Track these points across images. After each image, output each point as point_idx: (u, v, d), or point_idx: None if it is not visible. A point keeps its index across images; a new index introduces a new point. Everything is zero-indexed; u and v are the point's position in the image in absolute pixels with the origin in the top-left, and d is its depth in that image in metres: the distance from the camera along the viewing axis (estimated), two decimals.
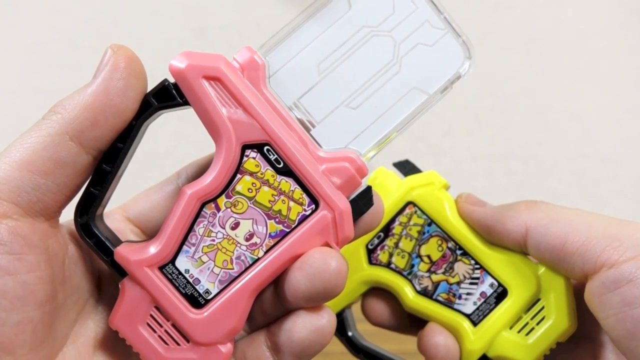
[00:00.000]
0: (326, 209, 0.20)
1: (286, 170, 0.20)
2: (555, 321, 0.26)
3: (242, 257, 0.20)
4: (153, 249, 0.20)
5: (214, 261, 0.20)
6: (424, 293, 0.28)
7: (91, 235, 0.21)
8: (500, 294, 0.27)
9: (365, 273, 0.28)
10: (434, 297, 0.28)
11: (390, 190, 0.28)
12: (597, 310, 0.23)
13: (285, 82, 0.21)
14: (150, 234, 0.23)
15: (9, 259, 0.18)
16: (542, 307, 0.27)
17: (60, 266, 0.20)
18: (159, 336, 0.20)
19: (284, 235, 0.20)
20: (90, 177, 0.20)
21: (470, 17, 0.56)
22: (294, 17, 0.21)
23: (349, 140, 0.21)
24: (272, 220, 0.20)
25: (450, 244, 0.28)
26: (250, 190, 0.20)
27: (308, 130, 0.21)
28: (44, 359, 0.19)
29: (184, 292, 0.20)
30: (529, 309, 0.27)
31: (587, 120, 0.58)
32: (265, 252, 0.20)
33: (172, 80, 0.20)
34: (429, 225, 0.28)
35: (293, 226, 0.20)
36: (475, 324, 0.27)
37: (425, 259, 0.28)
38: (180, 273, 0.20)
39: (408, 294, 0.28)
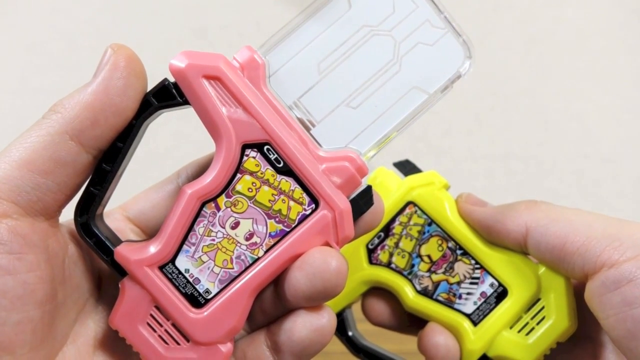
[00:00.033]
0: (326, 209, 0.20)
1: (286, 170, 0.20)
2: (555, 321, 0.26)
3: (242, 257, 0.20)
4: (153, 248, 0.20)
5: (214, 261, 0.20)
6: (424, 293, 0.28)
7: (91, 234, 0.20)
8: (501, 293, 0.27)
9: (366, 273, 0.28)
10: (434, 296, 0.28)
11: (390, 190, 0.28)
12: (597, 310, 0.23)
13: (285, 81, 0.21)
14: (150, 233, 0.23)
15: (9, 259, 0.18)
16: (542, 307, 0.27)
17: (60, 266, 0.20)
18: (159, 336, 0.20)
19: (284, 234, 0.20)
20: (90, 177, 0.20)
21: (470, 17, 0.56)
22: (294, 17, 0.21)
23: (349, 139, 0.21)
24: (272, 220, 0.20)
25: (451, 244, 0.28)
26: (250, 190, 0.20)
27: (308, 129, 0.21)
28: (44, 358, 0.19)
29: (184, 291, 0.20)
30: (529, 309, 0.27)
31: (587, 120, 0.58)
32: (265, 252, 0.20)
33: (172, 79, 0.20)
34: (429, 225, 0.28)
35: (293, 226, 0.20)
36: (475, 323, 0.27)
37: (426, 259, 0.28)
38: (180, 272, 0.20)
39: (408, 293, 0.28)
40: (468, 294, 0.27)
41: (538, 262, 0.27)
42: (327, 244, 0.20)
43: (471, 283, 0.27)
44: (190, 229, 0.20)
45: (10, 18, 0.55)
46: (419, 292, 0.28)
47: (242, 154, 0.20)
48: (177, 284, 0.20)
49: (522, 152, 0.58)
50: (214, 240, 0.20)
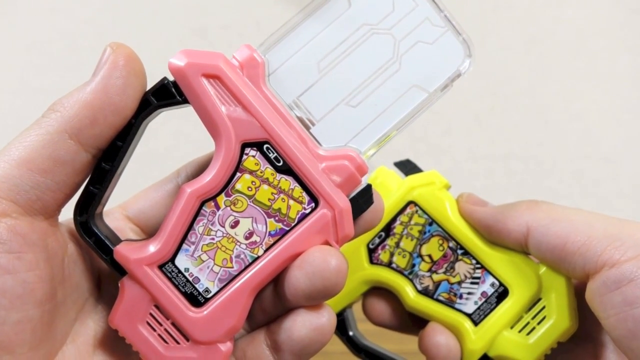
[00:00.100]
0: (326, 208, 0.20)
1: (286, 169, 0.20)
2: (556, 321, 0.26)
3: (242, 256, 0.20)
4: (152, 247, 0.20)
5: (214, 260, 0.20)
6: (425, 293, 0.28)
7: (90, 233, 0.20)
8: (501, 293, 0.27)
9: (366, 272, 0.28)
10: (435, 296, 0.28)
11: (391, 190, 0.28)
12: (598, 309, 0.23)
13: (284, 80, 0.21)
14: (149, 232, 0.23)
15: (8, 258, 0.18)
16: (543, 307, 0.27)
17: (59, 265, 0.20)
18: (159, 335, 0.20)
19: (283, 233, 0.20)
20: (90, 176, 0.20)
21: (470, 17, 0.56)
22: (293, 15, 0.21)
23: (348, 138, 0.21)
24: (272, 219, 0.20)
25: (451, 244, 0.28)
26: (249, 189, 0.20)
27: (308, 128, 0.21)
28: (44, 357, 0.19)
29: (183, 290, 0.20)
30: (530, 309, 0.27)
31: (587, 120, 0.58)
32: (265, 251, 0.20)
33: (171, 78, 0.20)
34: (430, 224, 0.28)
35: (293, 224, 0.20)
36: (476, 323, 0.27)
37: (427, 259, 0.28)
38: (179, 272, 0.20)
39: (409, 293, 0.28)
40: (469, 293, 0.27)
41: (539, 261, 0.27)
42: (327, 243, 0.20)
43: (472, 283, 0.27)
44: (190, 228, 0.20)
45: (10, 18, 0.55)
46: (419, 291, 0.28)
47: (242, 153, 0.20)
48: (176, 283, 0.20)
49: (522, 152, 0.58)
50: (213, 239, 0.20)
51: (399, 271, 0.28)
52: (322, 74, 0.21)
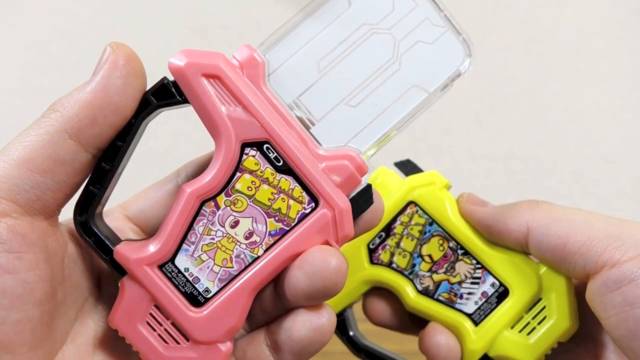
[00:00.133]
0: (326, 207, 0.20)
1: (286, 169, 0.20)
2: (556, 321, 0.26)
3: (242, 256, 0.20)
4: (152, 247, 0.20)
5: (214, 260, 0.20)
6: (425, 293, 0.28)
7: (90, 233, 0.20)
8: (502, 293, 0.27)
9: (367, 272, 0.28)
10: (435, 296, 0.28)
11: (391, 190, 0.28)
12: (599, 309, 0.23)
13: (284, 80, 0.21)
14: (149, 232, 0.23)
15: (8, 258, 0.18)
16: (544, 307, 0.27)
17: (59, 265, 0.20)
18: (159, 335, 0.20)
19: (283, 233, 0.20)
20: (90, 176, 0.20)
21: (470, 17, 0.56)
22: (293, 15, 0.21)
23: (348, 138, 0.21)
24: (272, 219, 0.20)
25: (452, 244, 0.28)
26: (249, 189, 0.20)
27: (308, 128, 0.21)
28: (44, 357, 0.19)
29: (183, 290, 0.20)
30: (530, 309, 0.27)
31: (587, 120, 0.58)
32: (265, 251, 0.20)
33: (171, 78, 0.20)
34: (430, 224, 0.28)
35: (293, 224, 0.20)
36: (476, 323, 0.27)
37: (427, 259, 0.28)
38: (179, 271, 0.20)
39: (409, 293, 0.28)
40: (469, 293, 0.27)
41: (539, 261, 0.27)
42: (327, 243, 0.20)
43: (472, 283, 0.27)
44: (190, 227, 0.20)
45: (10, 18, 0.55)
46: (420, 292, 0.28)
47: (242, 153, 0.20)
48: (176, 283, 0.20)
49: (522, 152, 0.58)
50: (213, 239, 0.20)
51: (400, 271, 0.28)
52: (322, 74, 0.21)
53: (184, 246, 0.20)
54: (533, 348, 0.26)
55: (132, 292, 0.20)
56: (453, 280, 0.28)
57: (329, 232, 0.20)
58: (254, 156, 0.20)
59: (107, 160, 0.20)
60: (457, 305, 0.27)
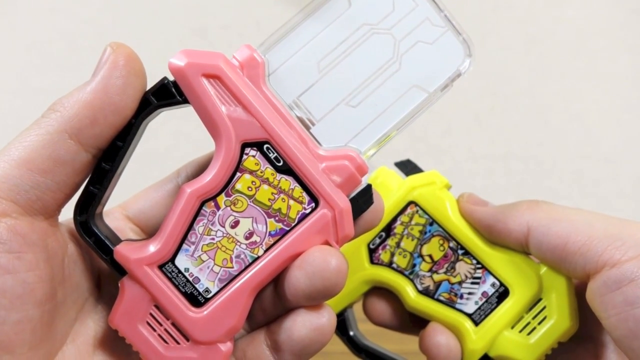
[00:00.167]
0: (326, 208, 0.20)
1: (286, 169, 0.20)
2: (556, 321, 0.26)
3: (242, 256, 0.20)
4: (153, 247, 0.20)
5: (214, 260, 0.20)
6: (426, 293, 0.28)
7: (90, 233, 0.20)
8: (502, 293, 0.27)
9: (367, 272, 0.28)
10: (435, 296, 0.28)
11: (391, 190, 0.28)
12: (599, 309, 0.23)
13: (284, 80, 0.21)
14: (150, 232, 0.23)
15: (8, 258, 0.18)
16: (544, 307, 0.27)
17: (59, 265, 0.20)
18: (159, 335, 0.20)
19: (283, 233, 0.20)
20: (90, 176, 0.20)
21: (470, 17, 0.56)
22: (293, 15, 0.21)
23: (348, 138, 0.21)
24: (272, 219, 0.20)
25: (452, 244, 0.28)
26: (249, 189, 0.20)
27: (308, 128, 0.21)
28: (44, 357, 0.19)
29: (183, 290, 0.20)
30: (530, 309, 0.27)
31: (587, 120, 0.58)
32: (265, 251, 0.20)
33: (171, 78, 0.20)
34: (431, 224, 0.28)
35: (293, 225, 0.20)
36: (476, 323, 0.27)
37: (427, 259, 0.28)
38: (179, 272, 0.20)
39: (410, 293, 0.28)
40: (469, 293, 0.27)
41: (539, 261, 0.27)
42: (327, 243, 0.20)
43: (472, 283, 0.27)
44: (190, 228, 0.20)
45: (10, 18, 0.55)
46: (420, 292, 0.28)
47: (242, 153, 0.20)
48: (176, 283, 0.20)
49: (522, 152, 0.58)
50: (213, 239, 0.20)
51: (400, 271, 0.28)
52: (322, 74, 0.21)
53: (184, 246, 0.20)
54: (533, 348, 0.26)
55: (132, 292, 0.20)
56: (453, 280, 0.28)
57: (329, 232, 0.20)
58: (254, 156, 0.20)
59: (107, 160, 0.20)
60: (457, 305, 0.27)
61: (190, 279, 0.20)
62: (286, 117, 0.21)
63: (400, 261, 0.28)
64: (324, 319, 0.20)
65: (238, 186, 0.20)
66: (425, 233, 0.28)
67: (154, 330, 0.20)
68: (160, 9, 0.55)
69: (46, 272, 0.19)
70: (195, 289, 0.20)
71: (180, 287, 0.20)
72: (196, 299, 0.20)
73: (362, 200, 0.21)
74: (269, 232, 0.20)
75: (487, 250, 0.27)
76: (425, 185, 0.28)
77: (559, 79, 0.57)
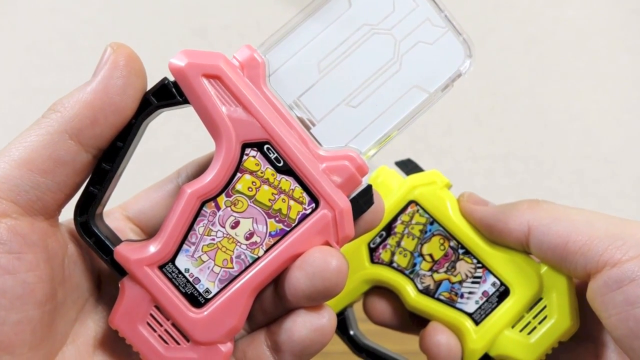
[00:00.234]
0: (326, 208, 0.20)
1: (286, 169, 0.20)
2: (557, 320, 0.26)
3: (242, 256, 0.20)
4: (153, 248, 0.20)
5: (214, 260, 0.20)
6: (426, 292, 0.28)
7: (91, 234, 0.20)
8: (503, 293, 0.27)
9: (367, 272, 0.28)
10: (435, 296, 0.28)
11: (392, 189, 0.28)
12: (600, 309, 0.23)
13: (285, 80, 0.21)
14: (150, 232, 0.23)
15: (8, 258, 0.18)
16: (544, 306, 0.27)
17: (59, 265, 0.20)
18: (159, 335, 0.20)
19: (284, 234, 0.20)
20: (90, 176, 0.20)
21: (470, 17, 0.56)
22: (294, 15, 0.21)
23: (349, 138, 0.21)
24: (272, 219, 0.20)
25: (453, 243, 0.28)
26: (250, 189, 0.20)
27: (308, 128, 0.21)
28: (44, 358, 0.19)
29: (183, 291, 0.20)
30: (531, 308, 0.27)
31: (587, 120, 0.58)
32: (266, 251, 0.20)
33: (172, 78, 0.20)
34: (431, 224, 0.28)
35: (293, 225, 0.20)
36: (477, 322, 0.27)
37: (428, 258, 0.28)
38: (180, 272, 0.20)
39: (410, 292, 0.28)
40: (470, 293, 0.27)
41: (540, 261, 0.27)
42: (327, 244, 0.20)
43: (473, 282, 0.27)
44: (190, 228, 0.20)
45: (10, 18, 0.55)
46: (420, 291, 0.28)
47: (242, 153, 0.20)
48: (177, 284, 0.20)
49: (522, 152, 0.58)
50: (214, 239, 0.20)
51: (400, 270, 0.28)
52: (322, 74, 0.21)
53: (185, 247, 0.20)
54: (534, 347, 0.26)
55: (133, 293, 0.20)
56: (454, 279, 0.28)
57: (330, 233, 0.20)
58: (254, 157, 0.20)
59: (107, 160, 0.20)
60: (457, 305, 0.27)
61: (191, 280, 0.20)
62: (286, 118, 0.21)
63: (401, 260, 0.28)
64: (325, 319, 0.20)
65: (238, 186, 0.20)
66: (426, 232, 0.28)
67: (154, 330, 0.20)
68: (160, 9, 0.55)
69: (46, 272, 0.19)
70: (196, 289, 0.20)
71: (181, 288, 0.20)
72: (196, 300, 0.20)
73: (363, 200, 0.21)
74: (269, 232, 0.20)
75: (488, 249, 0.27)
76: (426, 184, 0.28)
77: (559, 79, 0.57)
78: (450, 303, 0.28)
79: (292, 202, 0.20)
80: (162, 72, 0.21)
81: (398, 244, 0.28)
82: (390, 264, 0.28)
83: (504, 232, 0.26)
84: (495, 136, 0.58)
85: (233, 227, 0.20)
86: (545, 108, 0.57)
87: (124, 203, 0.23)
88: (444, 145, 0.57)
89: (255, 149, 0.20)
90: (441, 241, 0.28)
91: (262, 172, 0.20)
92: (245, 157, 0.20)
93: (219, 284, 0.20)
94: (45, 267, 0.19)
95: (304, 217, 0.20)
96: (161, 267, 0.20)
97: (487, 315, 0.27)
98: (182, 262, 0.20)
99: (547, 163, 0.58)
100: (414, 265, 0.28)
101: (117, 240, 0.21)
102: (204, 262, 0.20)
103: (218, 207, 0.20)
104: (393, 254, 0.28)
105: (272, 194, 0.20)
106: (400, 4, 0.21)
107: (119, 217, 0.23)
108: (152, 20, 0.55)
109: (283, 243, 0.20)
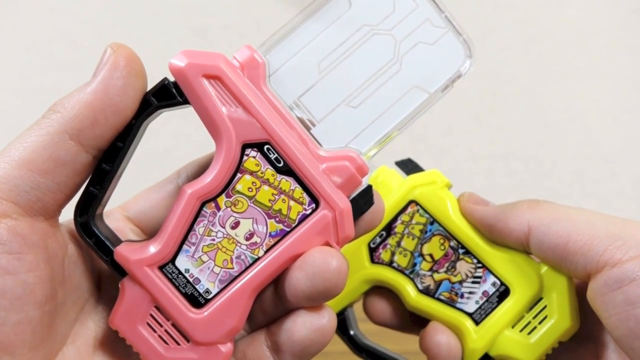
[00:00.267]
0: (326, 208, 0.20)
1: (286, 170, 0.20)
2: (557, 320, 0.26)
3: (242, 257, 0.20)
4: (153, 248, 0.20)
5: (214, 261, 0.20)
6: (426, 292, 0.28)
7: (91, 234, 0.20)
8: (503, 292, 0.27)
9: (367, 272, 0.28)
10: (436, 296, 0.28)
11: (392, 189, 0.28)
12: (600, 309, 0.23)
13: (285, 80, 0.21)
14: (150, 233, 0.23)
15: (9, 259, 0.18)
16: (545, 306, 0.27)
17: (59, 266, 0.20)
18: (159, 336, 0.20)
19: (284, 234, 0.20)
20: (90, 177, 0.20)
21: (470, 17, 0.56)
22: (294, 16, 0.21)
23: (349, 139, 0.21)
24: (273, 220, 0.20)
25: (453, 243, 0.28)
26: (250, 190, 0.20)
27: (308, 129, 0.21)
28: (44, 358, 0.19)
29: (184, 291, 0.20)
30: (531, 308, 0.27)
31: (587, 120, 0.58)
32: (266, 252, 0.20)
33: (172, 79, 0.20)
34: (431, 224, 0.28)
35: (293, 225, 0.20)
36: (477, 322, 0.27)
37: (428, 258, 0.28)
38: (180, 272, 0.20)
39: (410, 292, 0.28)
40: (470, 293, 0.27)
41: (540, 261, 0.27)
42: (328, 244, 0.20)
43: (473, 282, 0.27)
44: (190, 228, 0.20)
45: (10, 18, 0.55)
46: (420, 291, 0.28)
47: (242, 154, 0.20)
48: (177, 284, 0.20)
49: (522, 152, 0.58)
50: (214, 240, 0.20)
51: (400, 270, 0.28)
52: (322, 75, 0.21)
53: (185, 247, 0.20)
54: (534, 347, 0.26)
55: (133, 293, 0.20)
56: (454, 279, 0.28)
57: (330, 233, 0.20)
58: (254, 157, 0.20)
59: (107, 161, 0.20)
60: (458, 305, 0.27)
61: (191, 280, 0.20)
62: (287, 118, 0.21)
63: (401, 260, 0.28)
64: (325, 319, 0.20)
65: (238, 187, 0.20)
66: (426, 232, 0.28)
67: (155, 331, 0.20)
68: (160, 9, 0.55)
69: (46, 273, 0.19)
70: (196, 289, 0.20)
71: (181, 288, 0.20)
72: (196, 300, 0.20)
73: (363, 201, 0.21)
74: (270, 233, 0.20)
75: (488, 249, 0.27)
76: (426, 184, 0.28)
77: (559, 79, 0.57)
78: (451, 303, 0.28)
79: (292, 203, 0.20)
80: (162, 72, 0.21)
81: (398, 244, 0.28)
82: (390, 264, 0.28)
83: (504, 232, 0.26)
84: (495, 136, 0.58)
85: (233, 228, 0.20)
86: (545, 108, 0.57)
87: (124, 203, 0.23)
88: (444, 145, 0.57)
89: (256, 149, 0.20)
90: (441, 241, 0.28)
91: (262, 173, 0.20)
92: (245, 157, 0.20)
93: (219, 285, 0.20)
94: (45, 267, 0.19)
95: (304, 218, 0.20)
96: (161, 268, 0.20)
97: (487, 315, 0.27)
98: (182, 262, 0.20)
99: (547, 163, 0.58)
100: (414, 265, 0.28)
101: (117, 241, 0.21)
102: (204, 262, 0.20)
103: (218, 208, 0.20)
104: (393, 254, 0.28)
105: (272, 194, 0.20)
106: (400, 5, 0.21)
107: (119, 218, 0.23)
108: (152, 20, 0.55)
109: (283, 243, 0.20)
